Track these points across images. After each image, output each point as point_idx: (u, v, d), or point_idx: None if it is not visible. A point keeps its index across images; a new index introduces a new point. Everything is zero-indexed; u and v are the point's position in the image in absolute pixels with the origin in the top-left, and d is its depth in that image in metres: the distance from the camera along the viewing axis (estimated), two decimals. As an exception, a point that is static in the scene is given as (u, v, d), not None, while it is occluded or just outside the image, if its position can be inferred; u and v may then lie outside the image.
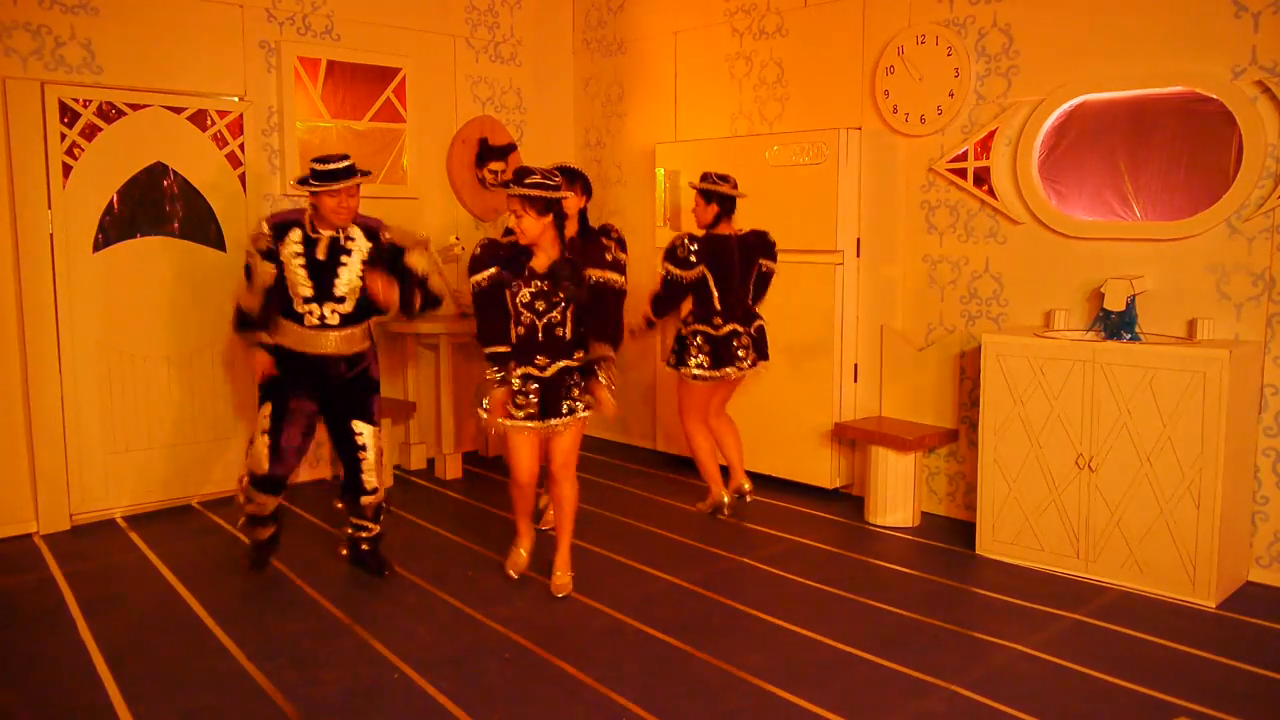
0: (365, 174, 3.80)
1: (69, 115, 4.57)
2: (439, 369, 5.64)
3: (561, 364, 3.66)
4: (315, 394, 3.90)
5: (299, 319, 3.81)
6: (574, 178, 4.28)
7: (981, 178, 4.53)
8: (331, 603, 3.74)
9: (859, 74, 5.01)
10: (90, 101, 4.63)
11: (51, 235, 4.56)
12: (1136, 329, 3.89)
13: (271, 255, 3.76)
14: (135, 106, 4.77)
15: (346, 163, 3.71)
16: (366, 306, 3.86)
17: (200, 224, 4.99)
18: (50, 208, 4.54)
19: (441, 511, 4.96)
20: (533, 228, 3.56)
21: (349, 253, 3.80)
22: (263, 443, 3.84)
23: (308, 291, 3.77)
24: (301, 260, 3.75)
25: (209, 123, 5.00)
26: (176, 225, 4.92)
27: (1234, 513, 3.71)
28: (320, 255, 3.75)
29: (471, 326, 5.74)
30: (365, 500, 4.01)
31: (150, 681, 3.10)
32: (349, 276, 3.79)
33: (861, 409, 4.99)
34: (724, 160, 5.28)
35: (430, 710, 2.91)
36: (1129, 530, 3.79)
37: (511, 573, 3.96)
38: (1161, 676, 3.09)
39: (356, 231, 3.82)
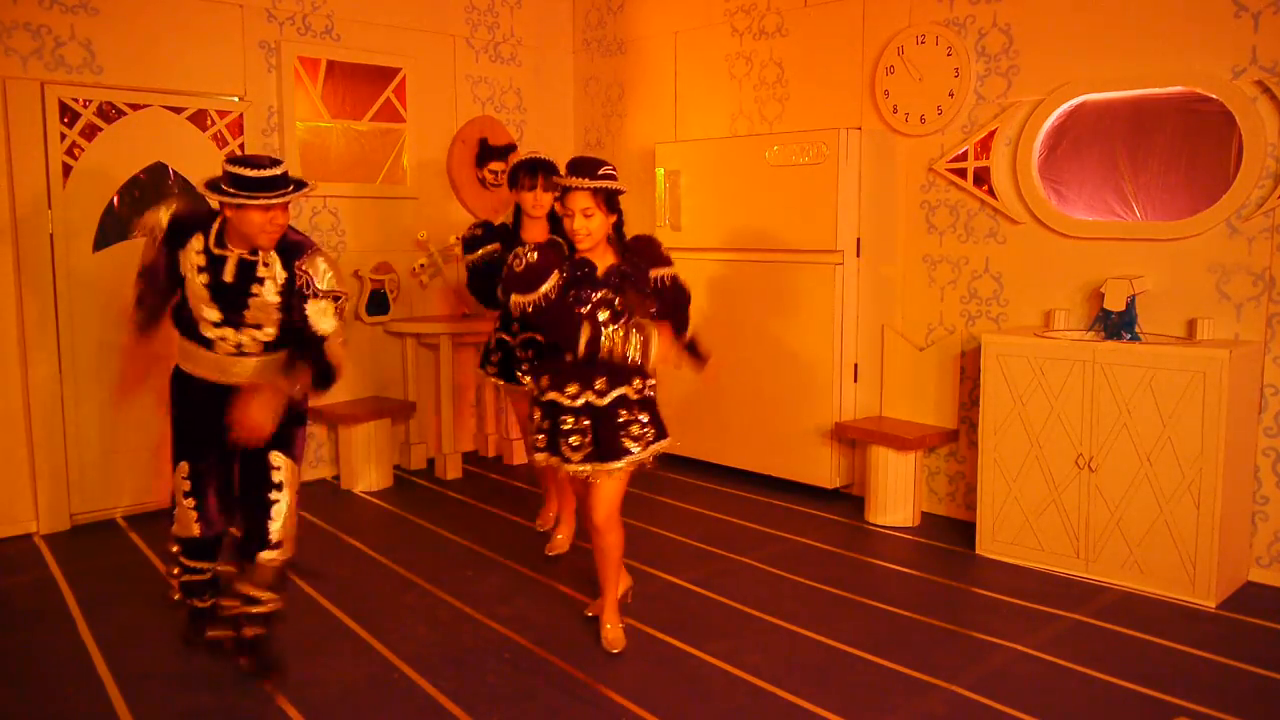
0: (303, 186, 2.99)
1: (69, 115, 4.57)
2: (439, 369, 5.64)
3: (620, 391, 3.20)
4: (228, 428, 2.96)
5: (208, 344, 3.06)
6: (548, 171, 3.96)
7: (981, 178, 4.53)
8: (331, 603, 3.74)
9: (859, 74, 5.01)
10: (90, 101, 4.63)
11: (51, 235, 4.56)
12: (1136, 329, 3.89)
13: (170, 254, 3.03)
14: (135, 106, 4.77)
15: (280, 169, 2.90)
16: (292, 330, 3.03)
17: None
18: (50, 208, 4.54)
19: (441, 511, 4.96)
20: (601, 229, 3.10)
21: (261, 281, 2.99)
22: (187, 505, 3.14)
23: (215, 315, 3.01)
24: (205, 278, 2.99)
25: (209, 123, 5.00)
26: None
27: (1234, 513, 3.71)
28: (227, 277, 2.98)
29: (472, 325, 5.76)
30: (264, 558, 3.05)
31: (150, 681, 3.10)
32: (262, 306, 3.00)
33: (861, 409, 4.99)
34: (724, 160, 5.29)
35: (430, 710, 2.91)
36: (1129, 530, 3.79)
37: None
38: (1161, 676, 3.09)
39: (273, 256, 3.00)
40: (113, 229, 4.73)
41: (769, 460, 5.24)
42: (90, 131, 4.64)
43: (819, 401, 4.96)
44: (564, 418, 3.19)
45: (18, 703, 2.99)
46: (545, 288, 3.06)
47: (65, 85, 4.56)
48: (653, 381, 3.29)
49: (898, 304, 4.96)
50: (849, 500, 5.02)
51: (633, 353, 3.12)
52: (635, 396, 3.22)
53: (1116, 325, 3.91)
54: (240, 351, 3.06)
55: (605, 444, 3.18)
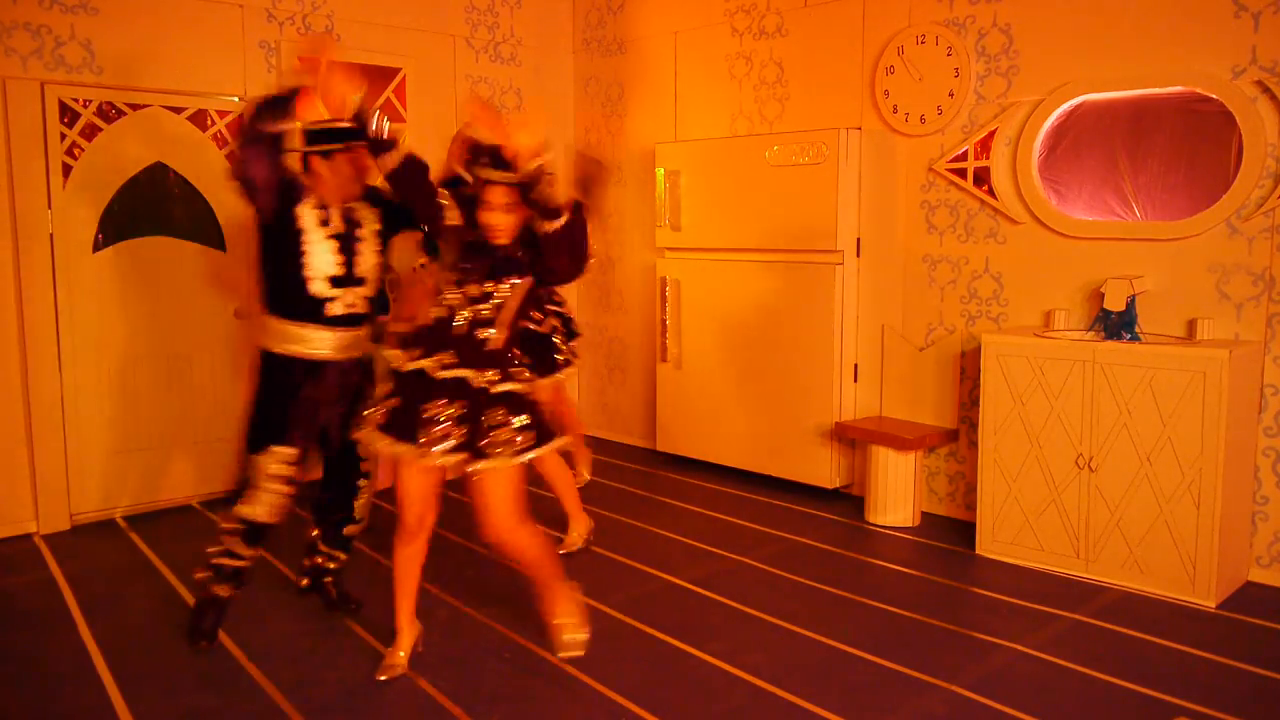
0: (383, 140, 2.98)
1: (69, 115, 4.57)
2: (439, 369, 5.63)
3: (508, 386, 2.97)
4: (324, 415, 3.27)
5: (314, 312, 3.16)
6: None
7: (981, 178, 4.53)
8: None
9: (859, 74, 5.01)
10: (90, 101, 4.63)
11: (51, 235, 4.56)
12: (1136, 329, 3.89)
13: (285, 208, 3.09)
14: (135, 106, 4.76)
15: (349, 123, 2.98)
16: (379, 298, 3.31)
17: (200, 224, 4.99)
18: (50, 208, 4.54)
19: (442, 511, 4.95)
20: (518, 224, 2.93)
21: (360, 225, 3.24)
22: (276, 489, 3.19)
23: (337, 269, 3.16)
24: (326, 230, 3.15)
25: (209, 123, 5.00)
26: (176, 225, 4.92)
27: (1234, 513, 3.71)
28: (340, 228, 3.18)
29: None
30: (349, 531, 3.58)
31: (150, 681, 3.10)
32: (369, 254, 3.26)
33: (861, 409, 4.99)
34: (724, 160, 5.29)
35: (430, 710, 2.91)
36: (1129, 530, 3.79)
37: (381, 676, 3.09)
38: (1161, 676, 3.09)
39: (363, 204, 3.27)
40: (113, 229, 4.74)
41: (769, 460, 5.24)
42: (90, 131, 4.64)
43: (819, 401, 4.96)
44: (433, 401, 2.88)
45: (18, 703, 2.99)
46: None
47: (65, 85, 4.56)
48: (528, 377, 3.04)
49: (898, 304, 4.96)
50: (849, 500, 5.02)
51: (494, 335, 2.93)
52: (502, 390, 2.94)
53: (1116, 325, 3.91)
54: (347, 316, 3.22)
55: (480, 438, 2.89)
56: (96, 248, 4.70)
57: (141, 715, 2.89)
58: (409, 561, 3.09)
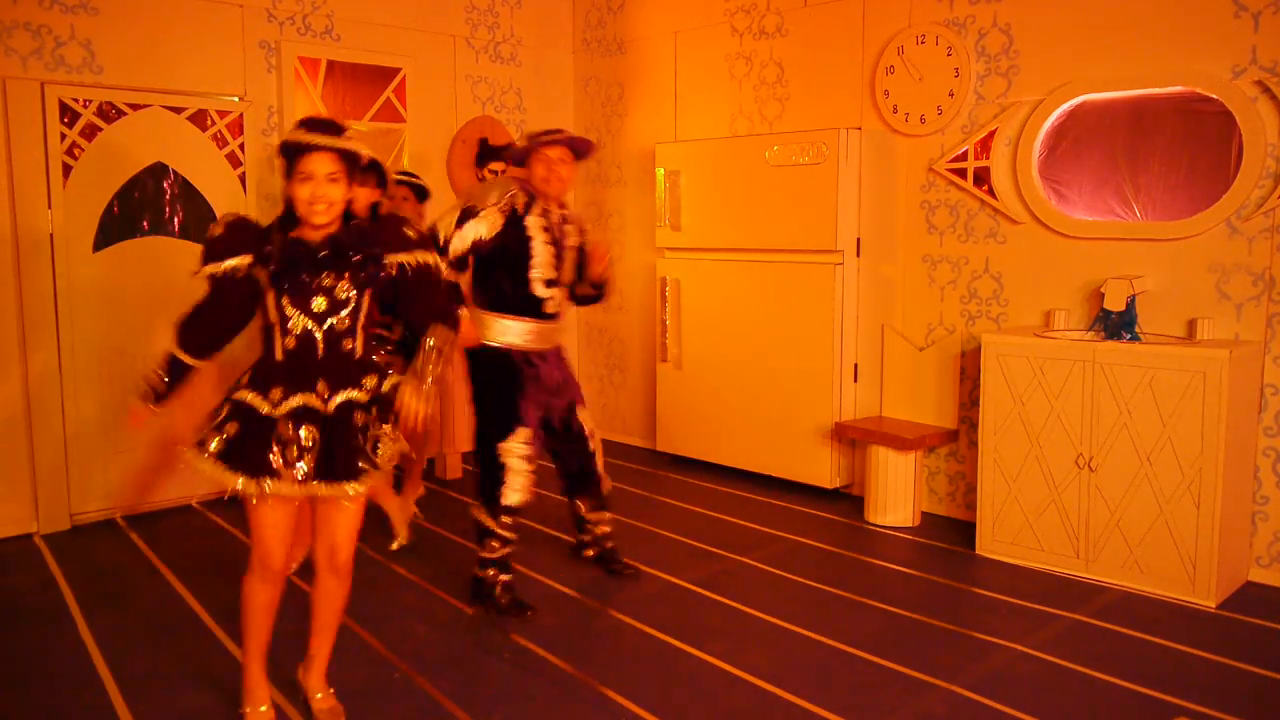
0: (579, 141, 3.52)
1: (69, 115, 4.57)
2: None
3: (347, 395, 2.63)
4: (546, 398, 3.61)
5: (534, 308, 3.50)
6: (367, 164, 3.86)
7: (981, 178, 4.53)
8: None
9: (859, 74, 5.01)
10: (90, 101, 4.63)
11: (51, 235, 4.56)
12: (1136, 329, 3.89)
13: (512, 222, 3.42)
14: (135, 106, 4.77)
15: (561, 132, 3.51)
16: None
17: (200, 224, 4.98)
18: (50, 208, 4.54)
19: (441, 511, 4.96)
20: (343, 200, 2.58)
21: (567, 235, 3.59)
22: (525, 470, 3.50)
23: (551, 272, 3.49)
24: (547, 236, 3.47)
25: (209, 123, 5.00)
26: (176, 225, 4.92)
27: (1234, 513, 3.71)
28: (557, 234, 3.52)
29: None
30: (605, 488, 3.92)
31: (150, 681, 3.10)
32: (571, 260, 3.61)
33: (861, 409, 4.99)
34: (724, 160, 5.29)
35: (430, 710, 2.91)
36: (1129, 530, 3.79)
37: None
38: (1161, 676, 3.09)
39: (571, 217, 3.68)
40: (113, 229, 4.74)
41: (769, 460, 5.24)
42: (90, 131, 4.64)
43: (819, 401, 4.96)
44: (281, 428, 2.57)
45: (18, 703, 2.99)
46: (227, 264, 2.54)
47: (65, 85, 4.56)
48: (394, 379, 2.73)
49: (898, 304, 4.96)
50: (849, 500, 5.02)
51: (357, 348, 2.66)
52: (366, 399, 2.65)
53: (1116, 325, 3.91)
54: (558, 311, 3.59)
55: (339, 460, 2.57)
56: (96, 247, 4.70)
57: (141, 715, 2.89)
58: (269, 609, 2.71)
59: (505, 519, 3.54)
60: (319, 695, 2.87)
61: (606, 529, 4.02)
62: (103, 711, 2.92)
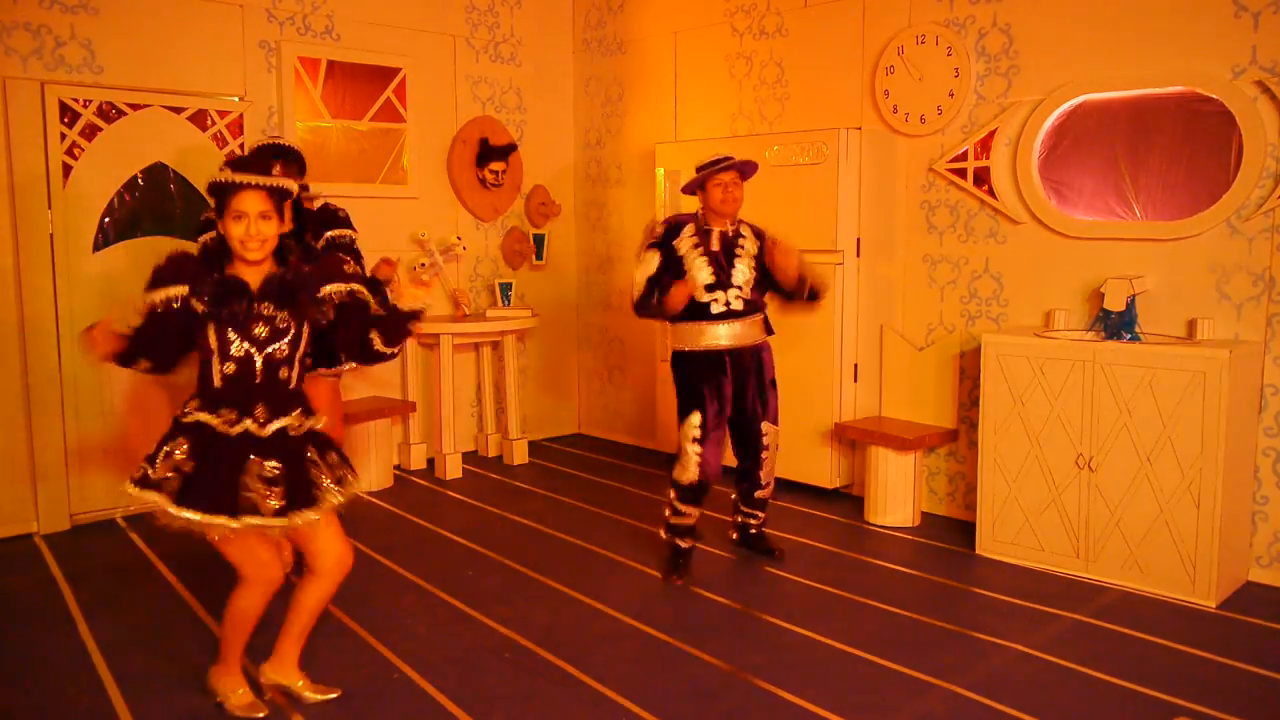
0: (745, 164, 3.94)
1: (69, 115, 4.57)
2: (439, 369, 5.64)
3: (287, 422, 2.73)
4: (727, 392, 3.96)
5: (703, 311, 3.89)
6: (288, 158, 3.81)
7: (981, 178, 4.53)
8: (332, 602, 3.73)
9: (859, 74, 5.01)
10: (90, 101, 4.63)
11: (51, 235, 4.56)
12: (1136, 329, 3.89)
13: (661, 248, 3.92)
14: (135, 106, 4.77)
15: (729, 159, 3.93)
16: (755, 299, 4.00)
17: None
18: (50, 208, 4.54)
19: (441, 511, 4.96)
20: (275, 237, 2.69)
21: (742, 248, 3.93)
22: (693, 451, 3.89)
23: (709, 278, 3.87)
24: (699, 251, 3.90)
25: (209, 123, 5.00)
26: (177, 225, 4.92)
27: (1234, 513, 3.71)
28: (714, 246, 3.90)
29: (473, 325, 5.77)
30: (759, 495, 4.16)
31: (150, 681, 3.10)
32: (744, 269, 3.92)
33: (861, 409, 4.99)
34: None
35: (430, 710, 2.91)
36: (1129, 530, 3.79)
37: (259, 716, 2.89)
38: (1161, 676, 3.09)
39: (746, 229, 3.98)
40: (113, 229, 4.74)
41: (769, 460, 5.23)
42: (90, 131, 4.64)
43: (819, 401, 4.96)
44: (250, 460, 2.66)
45: (18, 703, 2.98)
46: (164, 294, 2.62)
47: (65, 85, 4.56)
48: (323, 419, 2.86)
49: (898, 304, 4.96)
50: (849, 500, 5.02)
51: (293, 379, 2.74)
52: (298, 427, 2.75)
53: (1116, 325, 3.91)
54: (728, 310, 3.90)
55: (300, 489, 2.71)
56: (97, 247, 4.70)
57: (141, 715, 2.89)
58: (259, 615, 2.86)
59: (672, 493, 3.97)
60: (300, 683, 2.97)
61: (755, 522, 4.27)
62: (103, 711, 2.92)
